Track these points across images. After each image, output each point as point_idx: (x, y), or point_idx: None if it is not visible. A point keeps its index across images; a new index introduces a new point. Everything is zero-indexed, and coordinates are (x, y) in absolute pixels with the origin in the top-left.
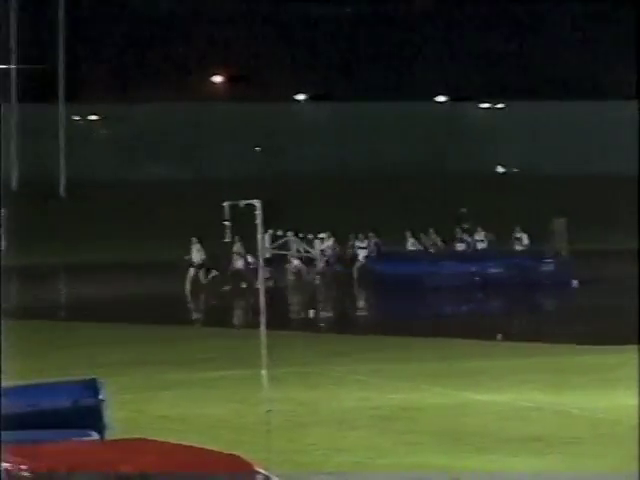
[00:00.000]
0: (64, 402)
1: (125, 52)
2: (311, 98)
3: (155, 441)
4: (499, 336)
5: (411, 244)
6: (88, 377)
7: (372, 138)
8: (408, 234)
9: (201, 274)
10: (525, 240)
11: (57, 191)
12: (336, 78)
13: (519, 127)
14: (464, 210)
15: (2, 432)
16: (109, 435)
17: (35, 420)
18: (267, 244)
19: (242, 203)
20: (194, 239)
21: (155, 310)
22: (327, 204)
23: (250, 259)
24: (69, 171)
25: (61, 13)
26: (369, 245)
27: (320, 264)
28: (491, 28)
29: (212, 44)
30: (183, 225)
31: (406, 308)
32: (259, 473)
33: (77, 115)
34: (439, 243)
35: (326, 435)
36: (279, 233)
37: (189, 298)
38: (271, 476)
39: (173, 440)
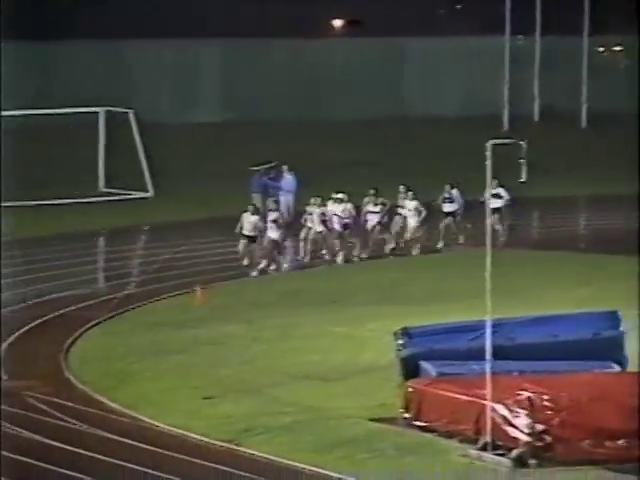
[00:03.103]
0: (585, 333)
1: None
2: None
3: None
4: None
5: None
6: (609, 309)
7: None
8: None
9: None
10: None
11: (578, 122)
12: None
13: None
14: None
15: (522, 362)
16: (629, 367)
17: (556, 350)
18: None
19: None
20: None
21: None
22: None
23: None
24: (591, 102)
25: None
26: None
27: None
28: None
29: None
30: None
31: None
32: None
33: (601, 46)
34: None
35: None
36: None
37: None
38: None
39: None
